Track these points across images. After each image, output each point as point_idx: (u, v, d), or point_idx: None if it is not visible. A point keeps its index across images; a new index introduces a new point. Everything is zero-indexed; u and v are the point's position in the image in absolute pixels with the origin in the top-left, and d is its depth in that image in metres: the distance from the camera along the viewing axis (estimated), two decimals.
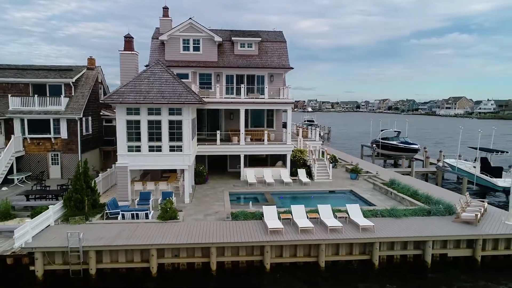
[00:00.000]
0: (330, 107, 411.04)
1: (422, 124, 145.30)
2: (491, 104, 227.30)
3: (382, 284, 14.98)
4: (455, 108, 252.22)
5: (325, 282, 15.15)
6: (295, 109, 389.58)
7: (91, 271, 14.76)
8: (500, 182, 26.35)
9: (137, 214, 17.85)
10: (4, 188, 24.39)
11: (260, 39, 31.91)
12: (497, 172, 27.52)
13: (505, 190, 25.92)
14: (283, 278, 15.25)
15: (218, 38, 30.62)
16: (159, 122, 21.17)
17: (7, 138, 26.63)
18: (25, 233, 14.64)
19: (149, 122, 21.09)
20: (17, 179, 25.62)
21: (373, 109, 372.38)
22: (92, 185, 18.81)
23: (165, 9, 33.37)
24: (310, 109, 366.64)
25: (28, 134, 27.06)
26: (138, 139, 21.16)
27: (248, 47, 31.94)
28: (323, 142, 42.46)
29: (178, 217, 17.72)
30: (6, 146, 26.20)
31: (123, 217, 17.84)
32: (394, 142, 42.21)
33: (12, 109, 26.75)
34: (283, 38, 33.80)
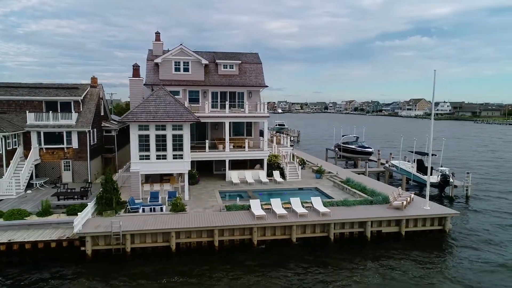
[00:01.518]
0: (300, 108, 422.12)
1: (383, 125, 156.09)
2: (447, 106, 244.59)
3: (336, 252, 21.33)
4: (415, 110, 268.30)
5: (296, 251, 21.29)
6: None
7: (127, 250, 20.16)
8: (431, 178, 33.53)
9: (154, 208, 23.34)
10: (28, 191, 28.93)
11: (240, 61, 37.88)
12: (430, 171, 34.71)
13: (434, 185, 33.23)
14: (266, 250, 21.29)
15: (204, 61, 36.27)
16: (164, 136, 26.66)
17: (26, 149, 31.04)
18: (78, 223, 19.85)
19: (157, 136, 26.54)
20: (38, 183, 30.16)
21: (340, 110, 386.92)
22: (116, 187, 24.04)
23: (157, 34, 38.69)
24: (280, 111, 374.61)
25: (44, 145, 31.59)
26: (148, 149, 26.53)
27: (230, 68, 37.80)
28: (292, 145, 48.82)
29: (186, 210, 23.38)
30: (24, 155, 30.67)
31: (143, 210, 23.26)
32: (353, 146, 49.47)
33: (29, 123, 31.19)
34: (259, 60, 39.90)
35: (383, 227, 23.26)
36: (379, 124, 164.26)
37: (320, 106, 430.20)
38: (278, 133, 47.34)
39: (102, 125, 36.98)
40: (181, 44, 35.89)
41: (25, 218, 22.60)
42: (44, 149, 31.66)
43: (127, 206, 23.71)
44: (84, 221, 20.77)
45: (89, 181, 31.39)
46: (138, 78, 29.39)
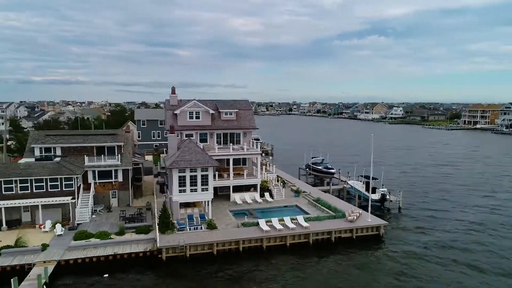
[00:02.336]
0: (265, 110, 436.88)
1: (343, 132, 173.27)
2: (400, 110, 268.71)
3: (314, 252, 34.57)
4: (372, 113, 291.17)
5: (290, 251, 34.29)
6: None
7: (187, 255, 32.26)
8: (373, 196, 47.73)
9: (196, 227, 35.51)
10: (93, 216, 39.93)
11: (237, 110, 50.40)
12: (373, 190, 49.03)
13: (377, 200, 47.40)
14: (272, 252, 34.17)
15: (211, 111, 48.47)
16: (195, 176, 38.77)
17: (83, 183, 41.84)
18: (158, 240, 31.72)
19: (190, 176, 38.60)
20: (98, 209, 41.18)
21: (304, 112, 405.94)
22: (168, 213, 35.87)
23: (173, 88, 50.30)
24: None
25: (98, 179, 42.54)
26: (184, 185, 38.52)
27: (229, 115, 50.22)
28: (270, 158, 61.55)
29: (217, 228, 35.78)
30: (82, 189, 41.47)
31: (189, 229, 35.34)
32: (320, 167, 63.46)
33: (87, 164, 42.01)
34: (250, 107, 52.61)
35: (342, 234, 36.85)
36: (340, 131, 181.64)
37: (284, 107, 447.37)
38: (265, 160, 59.91)
39: (133, 160, 48.12)
40: (194, 99, 47.91)
41: (110, 237, 33.95)
42: (97, 183, 42.61)
43: (177, 225, 35.66)
44: (158, 238, 32.65)
45: (141, 208, 42.51)
46: (174, 135, 41.25)
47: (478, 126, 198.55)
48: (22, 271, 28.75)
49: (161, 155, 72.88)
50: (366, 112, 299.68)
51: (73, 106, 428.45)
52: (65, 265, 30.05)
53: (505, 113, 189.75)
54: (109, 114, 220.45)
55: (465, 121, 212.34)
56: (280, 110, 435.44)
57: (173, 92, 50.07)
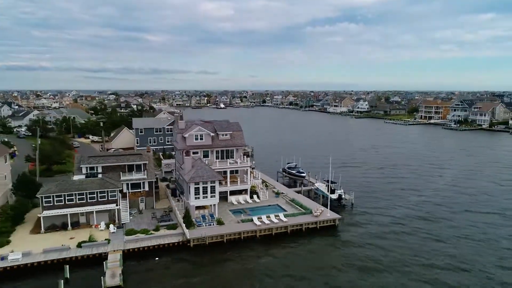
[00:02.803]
0: (240, 101, 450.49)
1: (314, 128, 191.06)
2: (366, 104, 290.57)
3: (291, 239, 50.91)
4: (341, 107, 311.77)
5: (275, 238, 50.45)
6: (208, 105, 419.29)
7: (206, 243, 47.78)
8: (333, 196, 64.49)
9: (209, 224, 50.98)
10: (130, 217, 54.41)
11: (231, 131, 65.56)
12: (333, 191, 65.83)
13: (335, 199, 64.16)
14: (263, 239, 50.24)
15: (212, 134, 63.44)
16: (206, 187, 54.00)
17: (120, 192, 56.05)
18: (188, 233, 47.01)
19: (203, 187, 53.80)
20: (132, 212, 55.70)
21: (277, 104, 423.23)
22: (189, 214, 51.01)
23: (181, 115, 64.67)
24: (222, 106, 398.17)
25: (130, 189, 56.89)
26: (198, 194, 53.72)
27: (225, 136, 65.35)
28: (253, 162, 77.11)
29: (224, 223, 51.41)
30: (121, 197, 55.69)
31: (204, 225, 50.72)
32: (293, 171, 79.98)
33: (122, 179, 56.21)
34: (240, 128, 67.77)
35: (310, 225, 53.40)
36: (311, 126, 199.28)
37: (258, 99, 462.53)
38: (252, 168, 75.32)
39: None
40: (198, 127, 62.65)
41: (150, 232, 48.79)
42: (130, 192, 56.97)
43: (195, 223, 50.91)
44: (187, 232, 47.88)
45: (166, 210, 57.04)
46: (190, 157, 56.02)
47: (432, 121, 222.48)
48: (99, 258, 43.34)
49: (162, 161, 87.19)
50: (335, 106, 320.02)
51: (46, 99, 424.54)
52: (127, 253, 44.84)
53: (455, 110, 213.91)
54: (92, 112, 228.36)
55: (421, 115, 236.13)
56: (254, 102, 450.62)
57: (181, 118, 64.52)
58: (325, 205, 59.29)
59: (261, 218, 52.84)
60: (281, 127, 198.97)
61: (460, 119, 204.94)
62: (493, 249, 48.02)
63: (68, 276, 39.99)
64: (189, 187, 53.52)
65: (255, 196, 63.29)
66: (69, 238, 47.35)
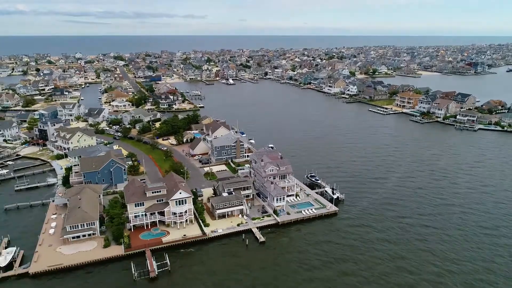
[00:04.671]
0: (244, 72, 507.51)
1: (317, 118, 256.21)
2: (355, 88, 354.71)
3: (318, 221, 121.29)
4: (334, 87, 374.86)
5: (310, 220, 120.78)
6: (217, 79, 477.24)
7: (284, 223, 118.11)
8: (334, 196, 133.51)
9: (284, 213, 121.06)
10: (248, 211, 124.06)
11: (286, 166, 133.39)
12: (334, 193, 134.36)
13: (335, 198, 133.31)
14: (307, 220, 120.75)
15: (277, 168, 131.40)
16: (280, 198, 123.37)
17: None
18: (278, 218, 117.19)
19: (277, 198, 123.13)
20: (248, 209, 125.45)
21: (278, 77, 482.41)
22: (275, 210, 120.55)
23: (262, 158, 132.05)
24: (231, 81, 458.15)
25: (244, 198, 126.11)
26: (276, 199, 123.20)
27: (283, 168, 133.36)
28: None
29: (290, 214, 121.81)
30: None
31: (282, 214, 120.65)
32: (312, 179, 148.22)
33: (242, 193, 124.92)
34: (289, 163, 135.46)
35: (325, 214, 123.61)
36: (311, 113, 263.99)
37: (261, 72, 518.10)
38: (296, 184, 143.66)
39: None
40: (272, 166, 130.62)
41: (260, 218, 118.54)
42: (245, 199, 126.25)
43: (279, 213, 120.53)
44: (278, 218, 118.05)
45: (259, 207, 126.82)
46: (273, 184, 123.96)
47: (404, 110, 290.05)
48: (240, 231, 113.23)
49: (238, 170, 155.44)
50: (329, 86, 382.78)
51: (70, 76, 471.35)
52: (259, 228, 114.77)
53: (421, 102, 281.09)
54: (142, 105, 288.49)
55: (397, 104, 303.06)
56: (257, 74, 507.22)
57: (261, 158, 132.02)
58: (331, 201, 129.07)
59: (306, 210, 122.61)
60: (285, 115, 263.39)
61: (425, 110, 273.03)
62: (432, 205, 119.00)
63: (244, 237, 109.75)
64: (273, 198, 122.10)
65: (298, 198, 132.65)
66: (230, 222, 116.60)
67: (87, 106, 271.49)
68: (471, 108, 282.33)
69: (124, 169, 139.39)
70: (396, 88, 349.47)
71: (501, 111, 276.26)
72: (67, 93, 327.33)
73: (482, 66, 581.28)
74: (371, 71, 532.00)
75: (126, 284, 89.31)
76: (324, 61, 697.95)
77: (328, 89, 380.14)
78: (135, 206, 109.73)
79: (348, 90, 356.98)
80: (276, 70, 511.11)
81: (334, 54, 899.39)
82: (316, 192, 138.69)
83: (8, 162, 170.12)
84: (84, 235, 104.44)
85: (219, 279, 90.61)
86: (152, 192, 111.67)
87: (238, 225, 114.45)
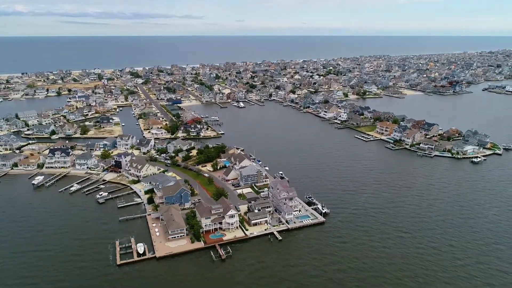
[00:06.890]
0: (252, 96, 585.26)
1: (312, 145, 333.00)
2: (345, 115, 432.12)
3: (312, 228, 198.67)
4: (328, 113, 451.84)
5: (309, 227, 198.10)
6: (229, 101, 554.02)
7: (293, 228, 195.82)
8: (323, 211, 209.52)
9: (294, 222, 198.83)
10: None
11: (294, 192, 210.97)
12: (323, 208, 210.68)
13: (324, 212, 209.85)
14: (308, 226, 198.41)
15: (290, 193, 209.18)
16: (291, 213, 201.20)
17: None
18: (288, 225, 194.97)
19: (289, 213, 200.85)
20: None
21: (282, 99, 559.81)
22: (287, 220, 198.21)
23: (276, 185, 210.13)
24: (242, 104, 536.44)
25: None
26: (288, 213, 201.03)
27: (292, 192, 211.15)
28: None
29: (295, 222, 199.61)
30: None
31: (294, 223, 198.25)
32: (309, 199, 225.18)
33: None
34: (294, 190, 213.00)
35: (317, 223, 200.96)
36: (309, 140, 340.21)
37: (266, 93, 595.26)
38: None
39: None
40: (285, 193, 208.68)
41: (283, 222, 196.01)
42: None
43: (288, 222, 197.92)
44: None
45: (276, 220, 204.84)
46: (289, 206, 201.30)
47: (382, 137, 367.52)
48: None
49: (260, 193, 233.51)
50: (325, 112, 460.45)
51: (96, 100, 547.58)
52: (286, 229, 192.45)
53: (395, 131, 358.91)
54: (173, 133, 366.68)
55: (377, 131, 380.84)
56: (263, 96, 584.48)
57: (276, 185, 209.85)
58: (320, 214, 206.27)
59: (301, 222, 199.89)
60: (290, 143, 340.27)
61: (397, 138, 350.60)
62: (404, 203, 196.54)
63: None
64: (286, 213, 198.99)
65: (299, 212, 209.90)
66: (260, 228, 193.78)
67: (126, 131, 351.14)
68: (435, 135, 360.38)
69: (189, 193, 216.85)
70: (379, 115, 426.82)
71: (457, 138, 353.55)
72: (112, 120, 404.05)
73: (460, 86, 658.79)
74: (362, 91, 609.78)
75: (208, 262, 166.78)
76: (321, 77, 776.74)
77: (324, 114, 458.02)
78: (205, 219, 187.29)
79: (340, 116, 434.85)
80: (279, 92, 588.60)
81: (331, 68, 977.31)
82: (312, 208, 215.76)
83: (101, 186, 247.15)
84: (178, 236, 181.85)
85: (257, 260, 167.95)
86: (215, 210, 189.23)
87: (265, 230, 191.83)
